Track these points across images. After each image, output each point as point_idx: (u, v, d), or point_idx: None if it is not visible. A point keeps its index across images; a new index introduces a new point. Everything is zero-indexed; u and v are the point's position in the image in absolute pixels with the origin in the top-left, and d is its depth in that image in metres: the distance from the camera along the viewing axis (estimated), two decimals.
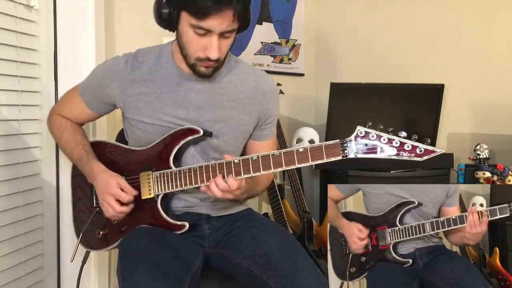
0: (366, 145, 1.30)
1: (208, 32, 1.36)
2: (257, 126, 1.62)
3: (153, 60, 1.53)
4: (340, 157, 1.32)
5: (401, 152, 1.28)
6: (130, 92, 1.52)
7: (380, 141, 1.29)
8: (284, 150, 1.37)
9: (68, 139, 1.61)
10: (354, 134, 1.31)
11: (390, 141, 1.28)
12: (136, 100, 1.52)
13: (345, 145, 1.31)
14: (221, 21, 1.34)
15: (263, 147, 1.63)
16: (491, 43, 3.02)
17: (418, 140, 1.28)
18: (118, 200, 1.48)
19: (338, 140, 1.32)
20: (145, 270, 1.35)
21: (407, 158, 1.28)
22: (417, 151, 1.27)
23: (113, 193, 1.47)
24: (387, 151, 1.29)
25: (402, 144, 1.28)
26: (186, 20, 1.37)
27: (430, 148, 1.27)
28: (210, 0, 1.31)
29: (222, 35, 1.38)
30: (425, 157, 1.27)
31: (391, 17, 3.13)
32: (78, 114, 1.64)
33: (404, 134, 1.28)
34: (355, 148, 1.30)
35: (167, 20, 1.41)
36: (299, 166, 1.36)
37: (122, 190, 1.48)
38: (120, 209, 1.48)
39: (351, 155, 1.31)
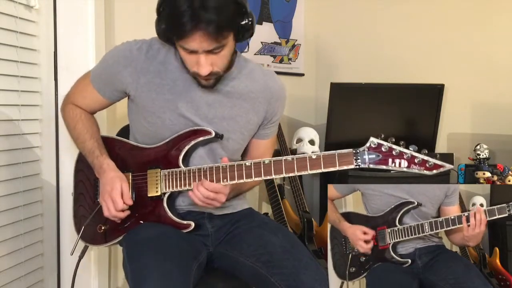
0: (378, 156, 1.35)
1: (193, 51, 1.36)
2: (261, 125, 1.63)
3: (169, 51, 1.52)
4: (353, 166, 1.37)
5: (412, 165, 1.34)
6: (143, 81, 1.51)
7: (392, 154, 1.34)
8: (297, 156, 1.39)
9: (82, 129, 1.60)
10: (368, 145, 1.36)
11: (401, 153, 1.34)
12: (149, 90, 1.51)
13: (358, 154, 1.36)
14: (198, 42, 1.32)
15: (264, 145, 1.65)
16: (491, 43, 3.02)
17: (427, 154, 1.33)
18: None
19: (351, 149, 1.37)
20: (154, 253, 1.36)
21: (417, 171, 1.34)
22: (427, 165, 1.33)
23: (113, 197, 1.48)
24: (398, 163, 1.34)
25: (413, 157, 1.34)
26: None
27: (439, 162, 1.33)
28: (181, 25, 1.30)
29: (210, 51, 1.36)
30: (434, 171, 1.33)
31: (391, 17, 3.13)
32: (90, 102, 1.62)
33: (414, 147, 1.34)
34: (367, 158, 1.36)
35: (164, 38, 1.42)
36: (311, 172, 1.39)
37: (122, 195, 1.49)
38: (115, 214, 1.49)
39: (364, 165, 1.36)
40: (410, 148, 1.34)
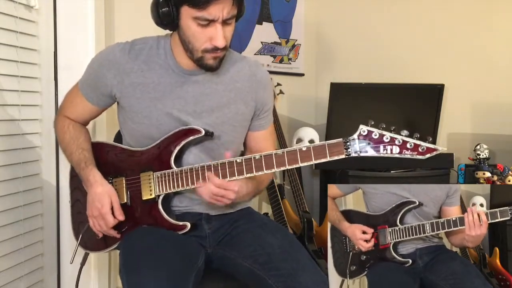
0: (369, 143, 1.32)
1: (211, 21, 1.37)
2: (254, 116, 1.62)
3: (151, 49, 1.52)
4: (343, 156, 1.34)
5: (404, 151, 1.30)
6: (128, 81, 1.50)
7: (383, 140, 1.31)
8: (287, 149, 1.38)
9: (69, 141, 1.59)
10: (357, 133, 1.33)
11: (392, 139, 1.31)
12: (134, 90, 1.51)
13: (348, 143, 1.33)
14: (222, 7, 1.35)
15: (263, 136, 1.64)
16: (491, 43, 3.02)
17: (420, 139, 1.30)
18: None
19: (341, 139, 1.34)
20: (151, 266, 1.35)
21: (409, 157, 1.30)
22: (420, 149, 1.30)
23: (103, 214, 1.48)
24: (390, 150, 1.31)
25: (404, 142, 1.30)
26: (187, 13, 1.38)
27: (432, 146, 1.29)
28: None
29: (224, 22, 1.39)
30: (427, 155, 1.30)
31: (391, 17, 3.13)
32: (80, 111, 1.62)
33: (406, 132, 1.30)
34: (358, 146, 1.33)
35: (167, 18, 1.41)
36: (302, 165, 1.37)
37: (113, 211, 1.49)
38: (107, 232, 1.51)
39: (354, 154, 1.33)
40: (402, 134, 1.30)
